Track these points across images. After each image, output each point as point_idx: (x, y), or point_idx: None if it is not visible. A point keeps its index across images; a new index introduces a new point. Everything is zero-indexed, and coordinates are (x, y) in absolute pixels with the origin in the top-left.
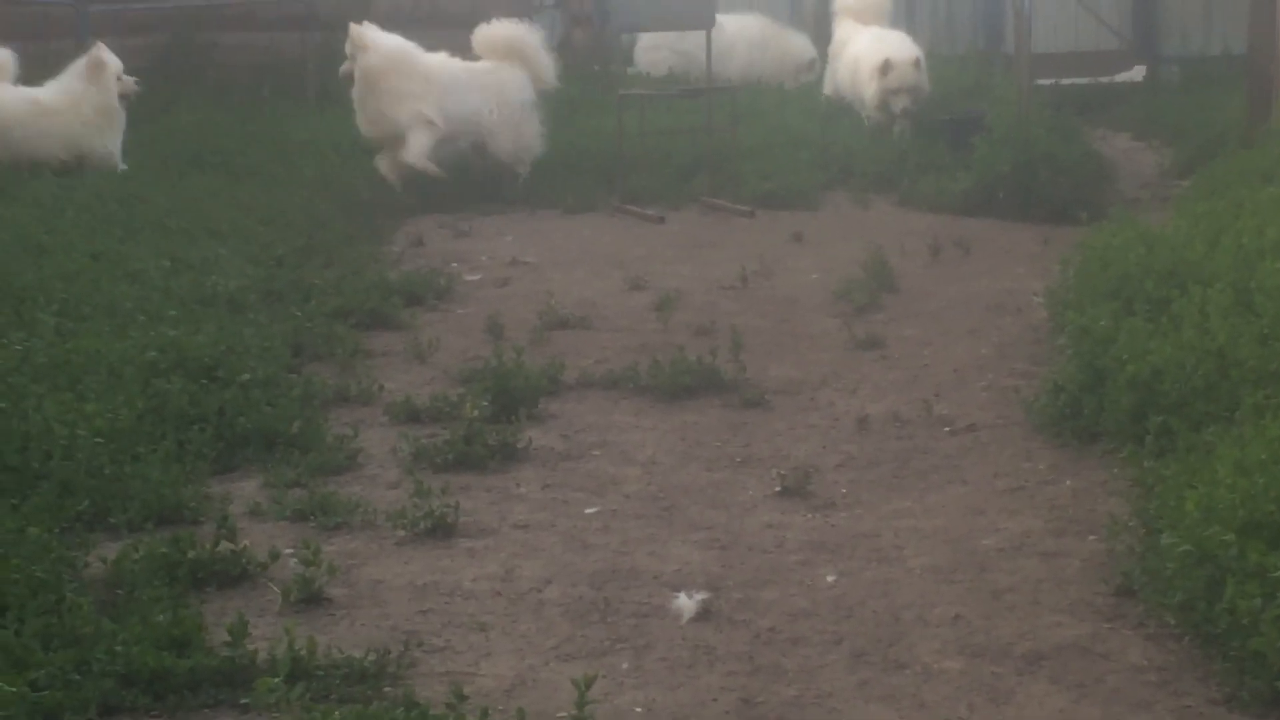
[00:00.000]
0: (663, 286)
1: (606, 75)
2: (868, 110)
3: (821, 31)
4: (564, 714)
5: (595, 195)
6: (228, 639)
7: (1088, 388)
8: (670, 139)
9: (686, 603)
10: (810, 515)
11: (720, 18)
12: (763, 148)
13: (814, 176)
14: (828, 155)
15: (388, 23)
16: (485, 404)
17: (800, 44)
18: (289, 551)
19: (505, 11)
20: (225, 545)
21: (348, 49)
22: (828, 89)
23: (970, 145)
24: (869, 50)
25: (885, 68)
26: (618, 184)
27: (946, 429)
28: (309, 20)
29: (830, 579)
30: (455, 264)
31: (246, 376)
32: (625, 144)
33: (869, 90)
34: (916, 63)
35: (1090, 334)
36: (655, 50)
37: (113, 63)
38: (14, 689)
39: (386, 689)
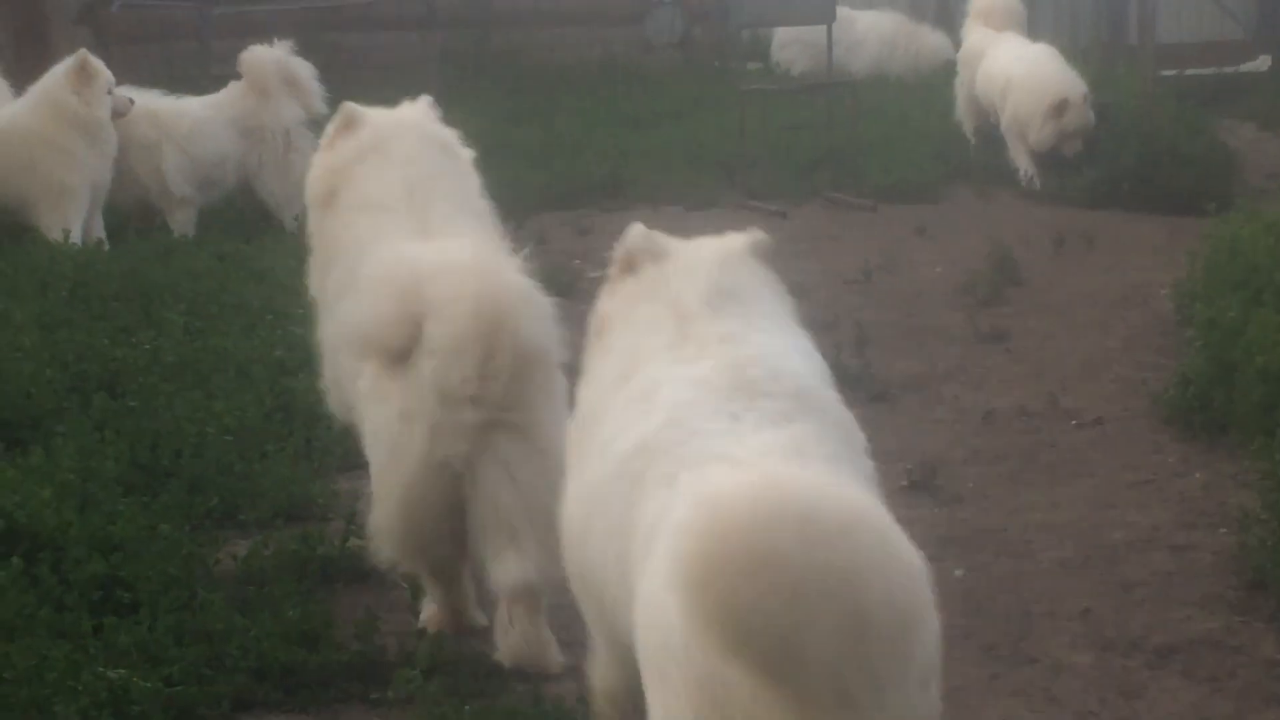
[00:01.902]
0: (785, 281)
1: (728, 71)
2: (1030, 144)
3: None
4: None
5: (718, 191)
6: (358, 634)
7: (1216, 380)
8: (792, 134)
9: None
10: (937, 509)
11: (852, 13)
12: (884, 142)
13: (936, 170)
14: (949, 148)
15: (508, 21)
16: None
17: (936, 42)
18: None
19: (625, 10)
20: (354, 541)
21: None
22: (961, 103)
23: (1094, 138)
24: (1030, 79)
25: (1061, 108)
26: (740, 180)
27: (1073, 422)
28: (430, 20)
29: (959, 573)
30: (578, 261)
31: None
32: (747, 140)
33: (1037, 129)
34: (1087, 98)
35: (1218, 325)
36: (788, 47)
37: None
38: (149, 685)
39: (517, 685)
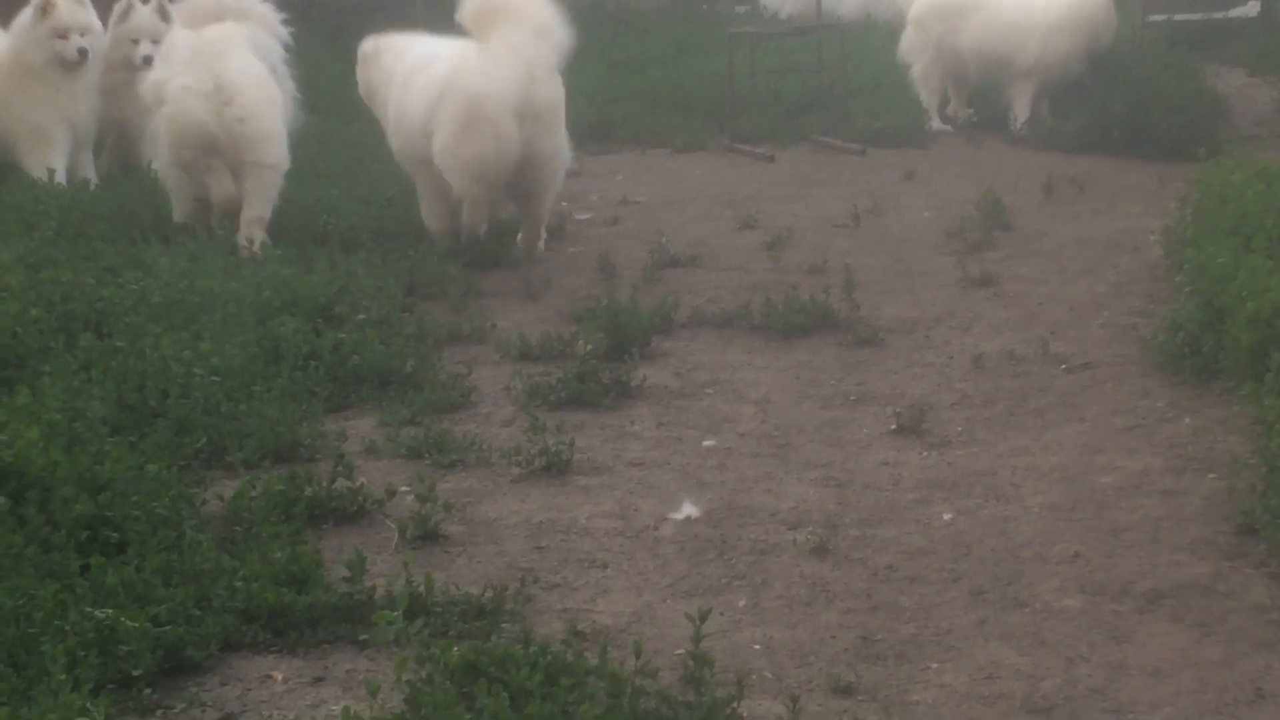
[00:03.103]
0: (774, 225)
1: (714, 15)
2: (1054, 83)
3: None
4: (681, 650)
5: (705, 134)
6: (346, 575)
7: (1206, 325)
8: (780, 78)
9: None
10: (926, 453)
11: None
12: (872, 86)
13: (923, 115)
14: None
15: None
16: (599, 340)
17: None
18: (405, 489)
19: None
20: (342, 482)
21: None
22: (928, 64)
23: (1083, 83)
24: (1021, 5)
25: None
26: (727, 123)
27: (1063, 367)
28: None
29: (947, 517)
30: (565, 203)
31: (360, 316)
32: (735, 83)
33: (1044, 49)
34: None
35: (1209, 271)
36: None
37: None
38: (136, 624)
39: (504, 625)
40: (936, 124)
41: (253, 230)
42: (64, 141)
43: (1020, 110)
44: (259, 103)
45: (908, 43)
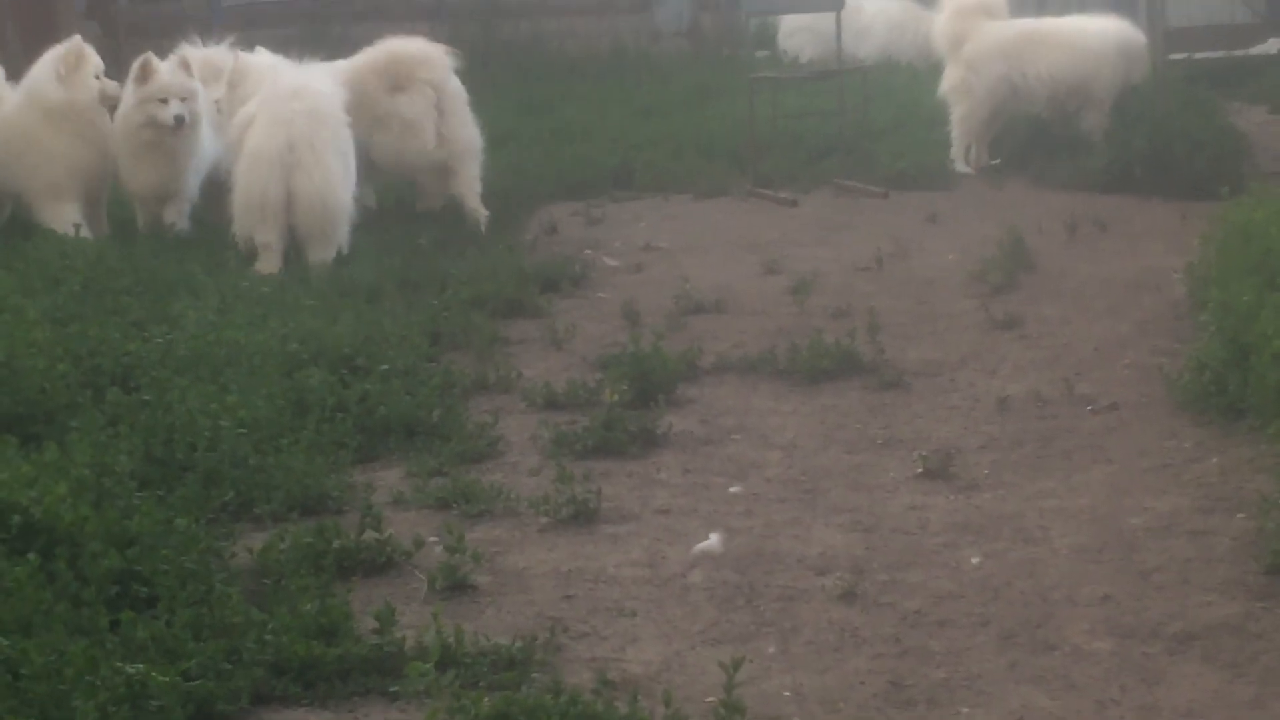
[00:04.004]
0: (798, 269)
1: (736, 60)
2: (1108, 100)
3: None
4: (712, 698)
5: (727, 179)
6: (375, 627)
7: (1232, 364)
8: (802, 122)
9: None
10: (953, 497)
11: (860, 0)
12: (894, 128)
13: (946, 156)
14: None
15: (516, 12)
16: (624, 389)
17: None
18: (433, 539)
19: None
20: (370, 534)
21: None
22: (985, 101)
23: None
24: (1100, 29)
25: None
26: (750, 168)
27: (1089, 408)
28: (438, 10)
29: (975, 560)
30: (589, 250)
31: (386, 366)
32: (756, 128)
33: (1113, 72)
34: None
35: (1233, 310)
36: (795, 35)
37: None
38: (167, 679)
39: (534, 675)
40: (964, 166)
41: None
42: (76, 194)
43: (1096, 131)
44: None
45: (954, 82)
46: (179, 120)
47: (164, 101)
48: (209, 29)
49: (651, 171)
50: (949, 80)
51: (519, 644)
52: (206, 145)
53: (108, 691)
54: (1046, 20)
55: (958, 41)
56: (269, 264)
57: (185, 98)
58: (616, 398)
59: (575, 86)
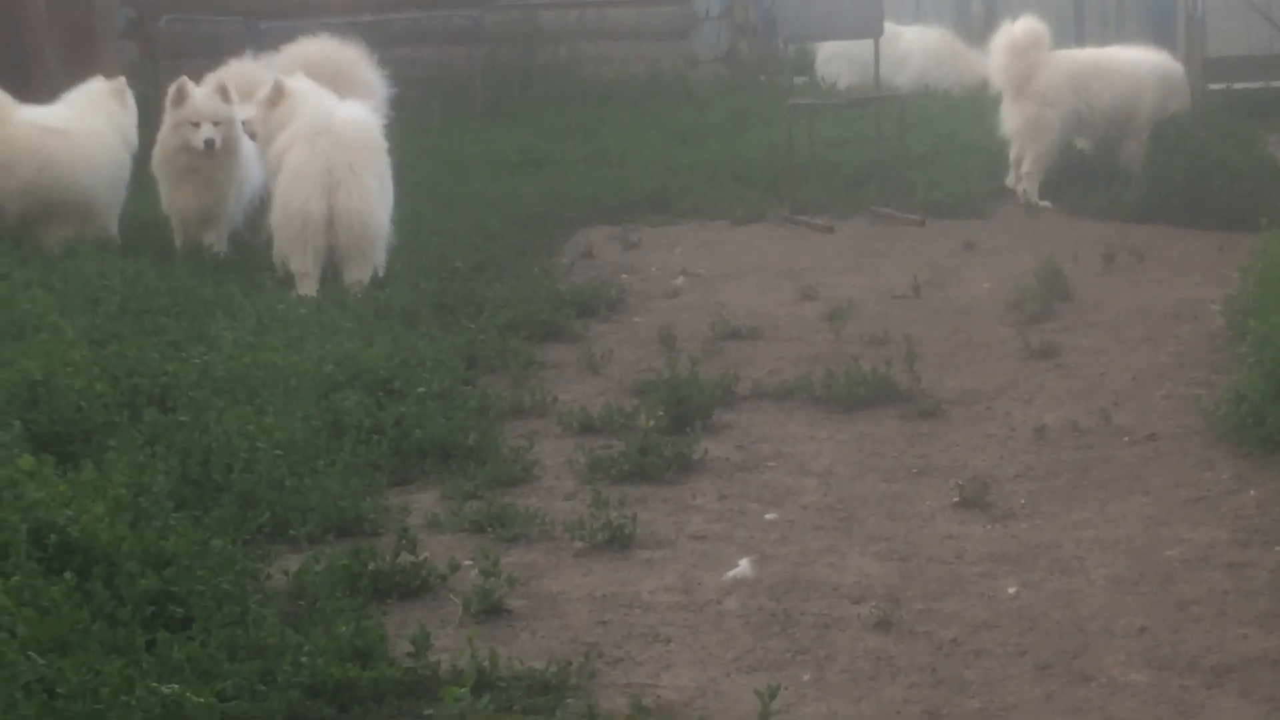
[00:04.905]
0: (834, 296)
1: (774, 86)
2: (1148, 126)
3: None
4: None
5: (764, 206)
6: (410, 650)
7: (1270, 396)
8: (839, 149)
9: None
10: (990, 526)
11: (898, 27)
12: (932, 156)
13: (984, 184)
14: (997, 163)
15: (554, 37)
16: (660, 414)
17: (982, 57)
18: (468, 563)
19: (670, 25)
20: (405, 557)
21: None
22: (1059, 132)
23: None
24: (1150, 59)
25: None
26: (786, 194)
27: (1126, 438)
28: (476, 35)
29: (1012, 590)
30: (625, 275)
31: (422, 389)
32: (794, 154)
33: (1155, 98)
34: None
35: (1272, 341)
36: (832, 61)
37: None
38: (202, 700)
39: (569, 700)
40: (1043, 201)
41: None
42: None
43: (1135, 161)
44: None
45: (1026, 119)
46: (209, 144)
47: (196, 125)
48: (248, 51)
49: (688, 197)
50: (1018, 118)
51: (553, 669)
52: (251, 170)
53: (143, 712)
54: (1106, 50)
55: (1023, 78)
56: (306, 288)
57: (219, 122)
58: (652, 423)
59: (612, 111)
